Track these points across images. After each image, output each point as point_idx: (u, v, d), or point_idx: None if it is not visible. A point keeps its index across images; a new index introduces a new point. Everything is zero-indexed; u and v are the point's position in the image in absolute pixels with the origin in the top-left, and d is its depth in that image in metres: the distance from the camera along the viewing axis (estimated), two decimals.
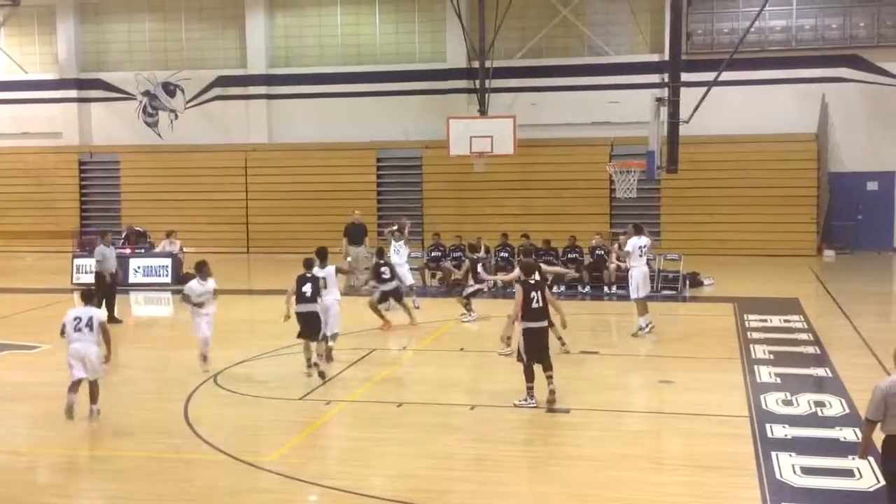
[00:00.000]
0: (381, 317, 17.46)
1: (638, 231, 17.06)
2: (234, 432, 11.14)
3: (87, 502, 9.39)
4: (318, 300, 13.88)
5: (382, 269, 17.76)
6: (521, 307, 11.94)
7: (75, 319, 11.60)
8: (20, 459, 10.61)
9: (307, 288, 13.76)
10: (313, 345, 13.87)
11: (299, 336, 13.93)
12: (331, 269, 14.54)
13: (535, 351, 12.04)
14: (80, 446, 11.17)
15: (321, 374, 13.54)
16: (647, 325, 16.75)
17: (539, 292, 12.05)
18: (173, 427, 11.45)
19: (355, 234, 23.46)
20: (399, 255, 19.85)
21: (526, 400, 12.01)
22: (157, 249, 25.16)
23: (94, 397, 11.73)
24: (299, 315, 13.83)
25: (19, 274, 27.86)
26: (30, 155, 33.21)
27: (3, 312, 20.26)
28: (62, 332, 11.74)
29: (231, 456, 10.34)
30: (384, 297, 17.69)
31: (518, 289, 12.16)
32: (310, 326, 13.80)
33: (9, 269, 28.20)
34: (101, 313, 12.07)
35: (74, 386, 11.61)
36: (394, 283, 17.78)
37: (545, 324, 12.17)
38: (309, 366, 13.86)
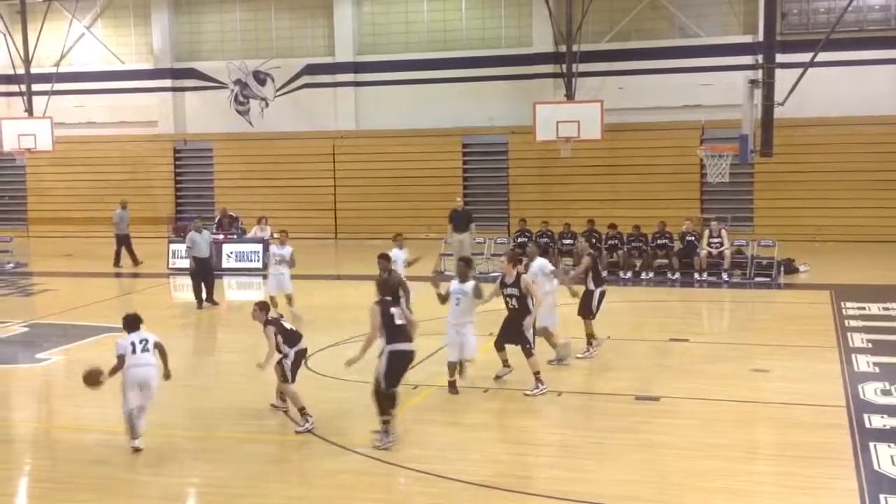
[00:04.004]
0: None
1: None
2: (324, 415, 11.27)
3: (182, 481, 9.61)
4: None
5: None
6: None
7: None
8: (117, 439, 10.91)
9: None
10: None
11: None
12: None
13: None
14: (175, 427, 11.47)
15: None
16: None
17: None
18: (265, 409, 11.68)
19: (459, 220, 23.44)
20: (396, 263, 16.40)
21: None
22: (249, 235, 25.71)
23: None
24: None
25: None
26: (126, 143, 34.12)
27: (101, 296, 20.90)
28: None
29: (322, 438, 10.50)
30: None
31: None
32: None
33: (107, 254, 29.03)
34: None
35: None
36: None
37: None
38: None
